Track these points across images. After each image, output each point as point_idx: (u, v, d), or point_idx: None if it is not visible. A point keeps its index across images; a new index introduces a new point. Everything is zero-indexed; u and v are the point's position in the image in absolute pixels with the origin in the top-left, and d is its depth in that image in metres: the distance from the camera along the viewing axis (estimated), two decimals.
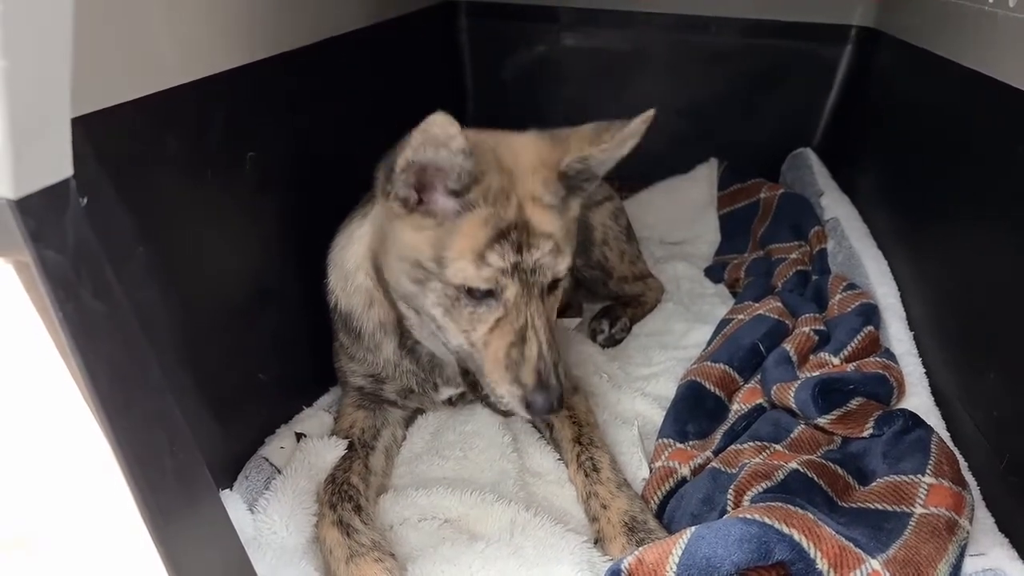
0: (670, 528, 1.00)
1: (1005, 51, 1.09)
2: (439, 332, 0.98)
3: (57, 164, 0.57)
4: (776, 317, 1.38)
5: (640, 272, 1.60)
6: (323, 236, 1.15)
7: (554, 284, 0.98)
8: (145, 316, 0.83)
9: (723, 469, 1.05)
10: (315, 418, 1.15)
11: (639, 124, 0.95)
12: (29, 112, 0.53)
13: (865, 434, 1.07)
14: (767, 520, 0.83)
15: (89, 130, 0.77)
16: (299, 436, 1.08)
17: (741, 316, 1.43)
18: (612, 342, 1.48)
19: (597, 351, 1.42)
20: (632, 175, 1.83)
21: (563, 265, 0.96)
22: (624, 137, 0.95)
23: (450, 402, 1.23)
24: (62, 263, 0.58)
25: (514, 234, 0.91)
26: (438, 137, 0.83)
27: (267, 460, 1.01)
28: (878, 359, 1.20)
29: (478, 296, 0.92)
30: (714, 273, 1.73)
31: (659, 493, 1.07)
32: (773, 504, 0.87)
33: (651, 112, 0.95)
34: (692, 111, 1.94)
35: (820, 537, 0.81)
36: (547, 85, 1.98)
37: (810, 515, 0.84)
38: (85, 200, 0.60)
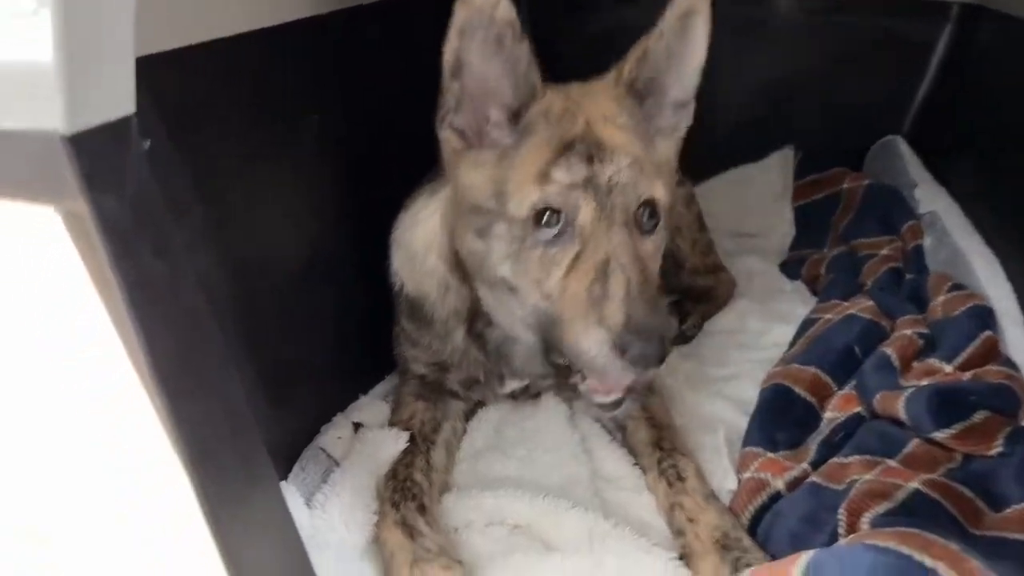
0: (765, 547, 0.90)
1: None
2: (512, 299, 0.83)
3: (118, 97, 0.48)
4: (870, 317, 1.25)
5: (713, 264, 1.49)
6: (386, 212, 1.06)
7: (651, 221, 0.81)
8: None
9: (826, 485, 0.93)
10: (372, 407, 1.06)
11: None
12: (90, 30, 0.44)
13: (992, 452, 0.95)
14: (904, 549, 0.72)
15: (147, 73, 0.69)
16: (356, 426, 0.99)
17: (828, 316, 1.31)
18: (683, 339, 1.37)
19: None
20: (701, 163, 1.70)
21: (651, 189, 0.79)
22: (678, 11, 0.81)
23: (512, 396, 1.13)
24: (120, 213, 0.49)
25: (582, 146, 0.77)
26: (483, 7, 0.72)
27: (324, 451, 0.93)
28: (1000, 368, 1.08)
29: (548, 231, 0.77)
30: (790, 269, 1.60)
31: (751, 507, 0.96)
32: (906, 530, 0.76)
33: None
34: (767, 94, 1.80)
35: (968, 572, 0.70)
36: (607, 60, 1.85)
37: (953, 545, 0.72)
38: (148, 144, 0.51)
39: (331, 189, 1.05)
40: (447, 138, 0.84)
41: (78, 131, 0.45)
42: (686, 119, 0.91)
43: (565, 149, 0.77)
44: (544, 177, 0.77)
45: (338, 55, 1.01)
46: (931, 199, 1.51)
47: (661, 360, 0.73)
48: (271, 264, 0.93)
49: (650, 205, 0.81)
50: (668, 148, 0.89)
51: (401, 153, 1.04)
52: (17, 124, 0.46)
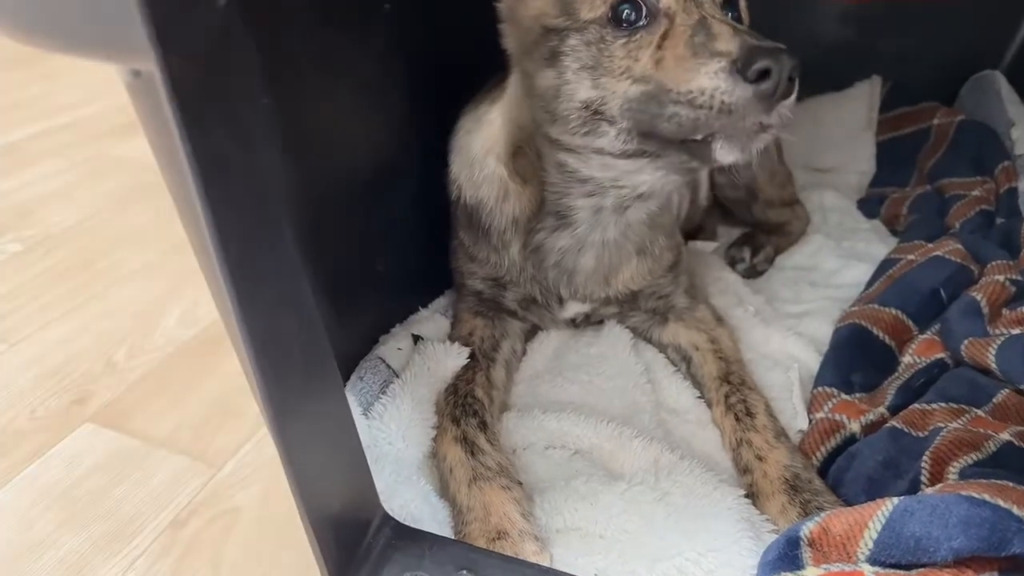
0: (837, 492, 0.85)
1: None
2: (598, 126, 0.74)
3: None
4: (959, 261, 1.17)
5: (789, 197, 1.40)
6: (453, 122, 1.00)
7: (734, 17, 0.73)
8: None
9: (908, 431, 0.88)
10: (431, 321, 1.02)
11: None
12: None
13: None
14: (1000, 502, 0.66)
15: None
16: (416, 339, 0.96)
17: (911, 256, 1.23)
18: (754, 273, 1.30)
19: (738, 281, 1.24)
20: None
21: None
22: None
23: (574, 323, 1.08)
24: (193, 77, 0.44)
25: None
26: None
27: (383, 361, 0.89)
28: None
29: (628, 21, 0.69)
30: (868, 207, 1.51)
31: (823, 449, 0.91)
32: (1002, 483, 0.70)
33: None
34: (854, 17, 1.67)
35: None
36: None
37: None
38: (224, 1, 0.45)
39: (400, 94, 0.98)
40: None
41: None
42: None
43: None
44: None
45: None
46: None
47: (792, 78, 0.62)
48: (338, 167, 0.88)
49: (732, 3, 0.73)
50: None
51: (471, 60, 0.97)
52: None
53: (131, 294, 1.36)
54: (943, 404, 0.91)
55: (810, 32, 1.73)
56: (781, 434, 0.91)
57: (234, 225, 0.46)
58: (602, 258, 0.96)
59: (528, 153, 0.89)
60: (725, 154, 0.68)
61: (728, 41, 0.63)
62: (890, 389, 0.99)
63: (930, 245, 1.24)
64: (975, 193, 1.36)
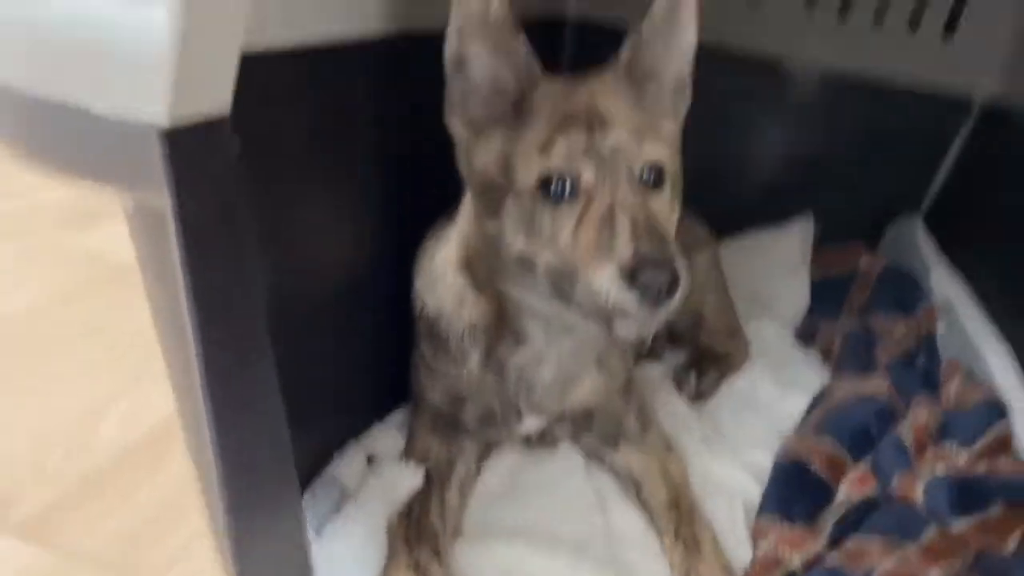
0: None
1: None
2: (529, 276, 0.82)
3: (220, 93, 0.46)
4: (886, 397, 1.25)
5: (732, 326, 1.48)
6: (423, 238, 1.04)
7: (658, 181, 0.81)
8: None
9: (845, 568, 0.91)
10: (388, 437, 1.02)
11: None
12: (210, 17, 0.42)
13: (1007, 551, 0.94)
14: None
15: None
16: (370, 458, 0.96)
17: (844, 390, 1.30)
18: (699, 397, 1.35)
19: (685, 405, 1.29)
20: (722, 225, 1.71)
21: (655, 153, 0.80)
22: None
23: (528, 441, 1.10)
24: (203, 216, 0.47)
25: (583, 118, 0.79)
26: (477, 7, 0.77)
27: (338, 479, 0.89)
28: (1013, 461, 1.07)
29: (555, 193, 0.77)
30: (804, 337, 1.60)
31: None
32: None
33: None
34: (792, 162, 1.83)
35: None
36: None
37: None
38: (239, 147, 0.49)
39: (378, 211, 1.03)
40: (458, 131, 0.86)
41: (177, 126, 0.43)
42: (685, 101, 0.93)
43: (567, 121, 0.79)
44: (547, 147, 0.78)
45: (405, 75, 1.00)
46: (945, 285, 1.52)
47: (672, 289, 0.71)
48: (308, 282, 0.90)
49: (654, 168, 0.81)
50: (672, 127, 0.90)
51: (445, 183, 1.03)
52: (111, 110, 0.43)
53: (72, 392, 1.32)
54: (880, 537, 0.96)
55: (750, 173, 1.88)
56: (727, 567, 0.93)
57: (224, 360, 0.48)
58: (560, 371, 0.99)
59: (480, 267, 0.94)
60: (625, 332, 0.77)
61: (625, 245, 0.72)
62: (828, 522, 1.03)
63: (860, 380, 1.32)
64: (899, 333, 1.47)
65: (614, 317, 0.75)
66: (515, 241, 0.81)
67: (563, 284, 0.78)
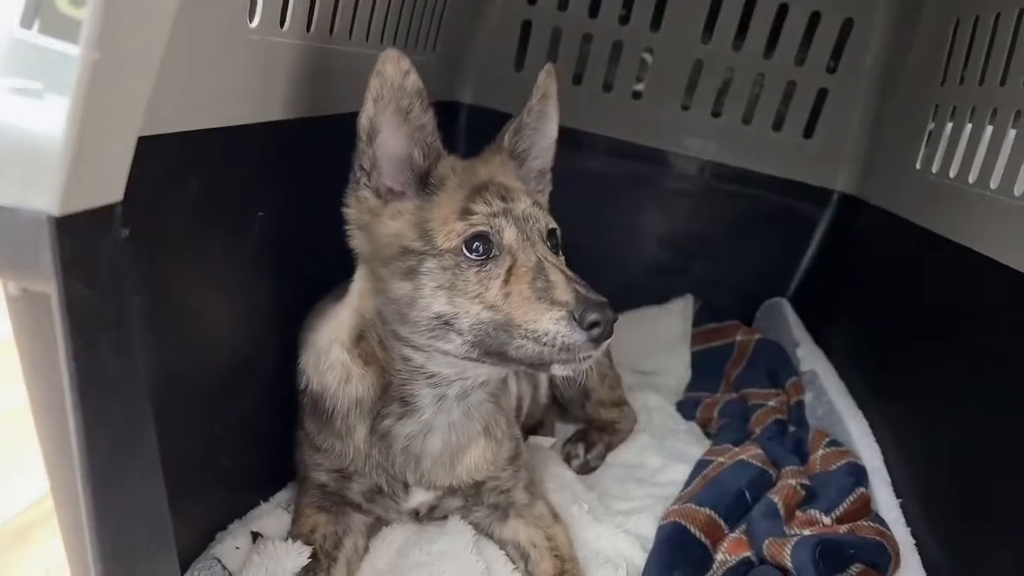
0: None
1: (1009, 236, 1.12)
2: (448, 333, 0.86)
3: (112, 182, 0.48)
4: (760, 465, 1.33)
5: (618, 398, 1.55)
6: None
7: (556, 246, 0.93)
8: None
9: None
10: (273, 515, 1.01)
11: (542, 77, 1.00)
12: (103, 116, 0.45)
13: None
14: None
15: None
16: (255, 536, 0.94)
17: (721, 459, 1.38)
18: (587, 469, 1.40)
19: (573, 477, 1.33)
20: (609, 300, 1.81)
21: (551, 222, 0.93)
22: (538, 95, 1.00)
23: (417, 516, 1.10)
24: (89, 302, 0.47)
25: (493, 187, 0.89)
26: (395, 78, 0.83)
27: (219, 561, 0.86)
28: (872, 524, 1.16)
29: (479, 252, 0.85)
30: (685, 409, 1.69)
31: None
32: None
33: (550, 64, 1.01)
34: (673, 245, 1.98)
35: None
36: None
37: None
38: (127, 232, 0.51)
39: (265, 291, 1.03)
40: (365, 198, 0.91)
41: (68, 213, 0.45)
42: (548, 186, 1.08)
43: (480, 190, 0.89)
44: (466, 211, 0.86)
45: (290, 157, 1.02)
46: (811, 359, 1.66)
47: (611, 327, 0.80)
48: (193, 363, 0.89)
49: (553, 235, 0.93)
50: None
51: (330, 262, 1.05)
52: (2, 199, 0.44)
53: None
54: None
55: (635, 253, 2.01)
56: None
57: (105, 439, 0.48)
58: (449, 440, 1.01)
59: (371, 339, 0.96)
60: (561, 371, 0.85)
61: (564, 291, 0.81)
62: None
63: (736, 449, 1.41)
64: (771, 403, 1.58)
65: (554, 360, 0.82)
66: (434, 302, 0.85)
67: (496, 335, 0.83)
